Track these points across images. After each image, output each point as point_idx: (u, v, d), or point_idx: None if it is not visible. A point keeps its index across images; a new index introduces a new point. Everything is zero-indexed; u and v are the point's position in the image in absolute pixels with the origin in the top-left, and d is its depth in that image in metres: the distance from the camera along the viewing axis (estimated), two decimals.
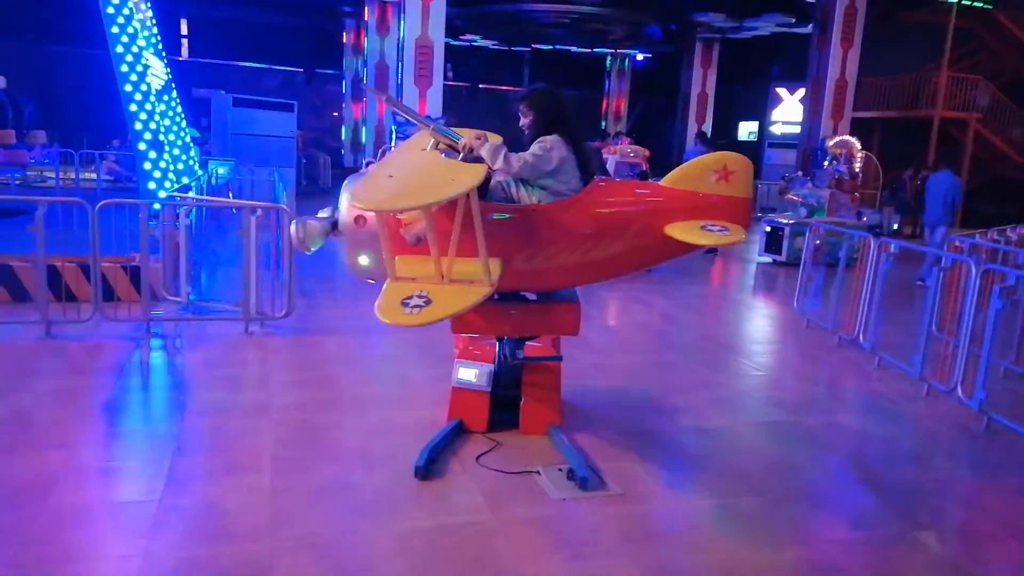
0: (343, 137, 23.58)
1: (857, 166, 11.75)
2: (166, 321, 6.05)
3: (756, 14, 20.34)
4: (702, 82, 23.82)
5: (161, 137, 9.16)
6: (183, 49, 24.35)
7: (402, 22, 15.89)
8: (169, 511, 3.19)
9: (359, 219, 3.57)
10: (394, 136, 15.30)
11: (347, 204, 3.59)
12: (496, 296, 3.81)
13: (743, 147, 24.04)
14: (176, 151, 10.16)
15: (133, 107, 8.87)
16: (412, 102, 15.45)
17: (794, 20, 19.81)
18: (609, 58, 27.05)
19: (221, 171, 12.53)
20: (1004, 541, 3.43)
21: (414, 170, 3.50)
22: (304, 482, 3.52)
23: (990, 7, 17.48)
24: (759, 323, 7.99)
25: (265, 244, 6.22)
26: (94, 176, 13.49)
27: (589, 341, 6.06)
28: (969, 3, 17.11)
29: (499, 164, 3.51)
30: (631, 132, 24.17)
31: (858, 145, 12.01)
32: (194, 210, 7.44)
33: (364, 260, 3.63)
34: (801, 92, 20.04)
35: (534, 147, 3.61)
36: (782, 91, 22.66)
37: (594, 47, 25.65)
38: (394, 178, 3.30)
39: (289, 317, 6.06)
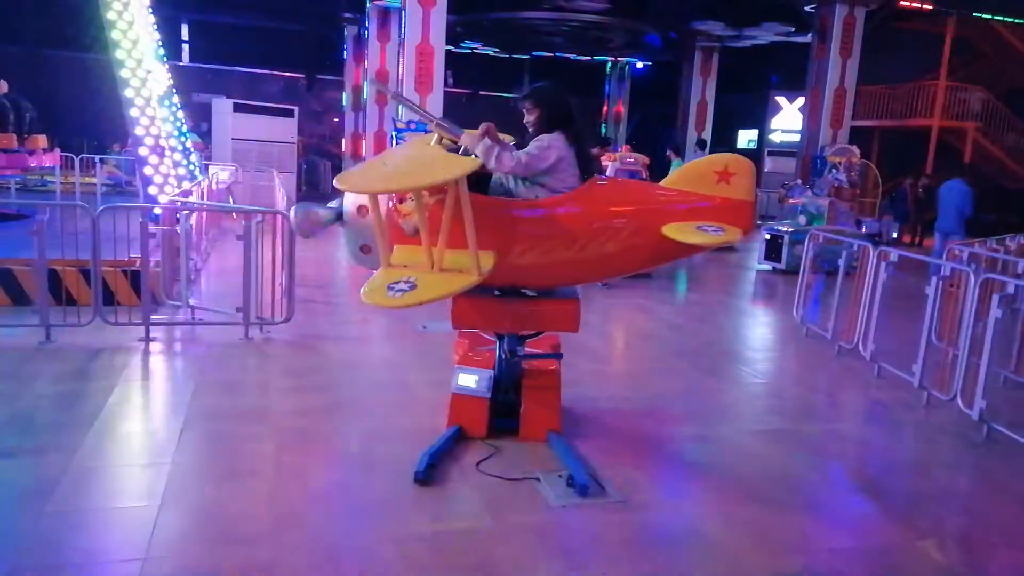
0: (343, 148, 23.61)
1: (855, 174, 11.80)
2: (166, 325, 6.05)
3: (755, 23, 20.40)
4: (702, 90, 23.86)
5: (162, 142, 9.17)
6: (184, 54, 24.39)
7: (403, 29, 15.94)
8: (169, 516, 3.18)
9: (362, 209, 3.63)
10: (394, 142, 15.34)
11: (351, 195, 3.64)
12: (496, 292, 3.84)
13: (743, 155, 24.12)
14: (177, 156, 10.17)
15: (134, 112, 8.88)
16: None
17: (793, 29, 19.87)
18: (609, 66, 27.11)
19: (222, 176, 12.55)
20: (1005, 550, 3.42)
21: (407, 159, 3.58)
22: (304, 487, 3.52)
23: (988, 17, 17.55)
24: (759, 331, 8.00)
25: (265, 249, 6.22)
26: (95, 181, 13.51)
27: (589, 348, 6.07)
28: (967, 13, 17.18)
29: (492, 164, 3.54)
30: (631, 140, 24.24)
31: (857, 153, 12.05)
32: (194, 215, 7.44)
33: (365, 250, 3.69)
34: (800, 101, 20.10)
35: (531, 145, 3.64)
36: (781, 99, 22.74)
37: (594, 55, 25.71)
38: (387, 165, 3.36)
39: (289, 322, 6.06)
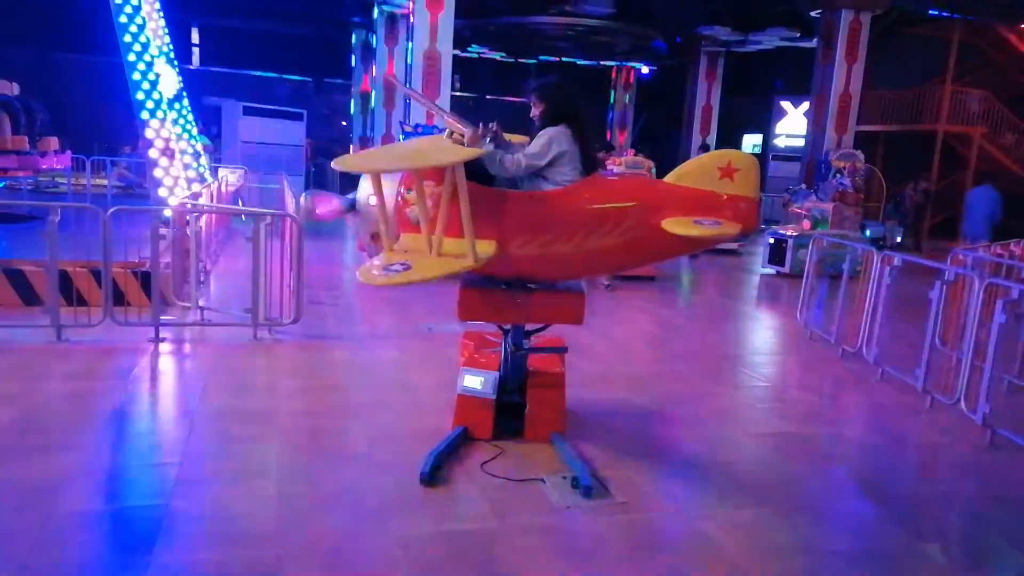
0: (351, 151, 23.69)
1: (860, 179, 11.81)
2: (175, 326, 6.11)
3: (761, 28, 20.43)
4: (707, 95, 23.87)
5: (172, 144, 9.25)
6: (194, 58, 24.54)
7: (410, 33, 16.01)
8: (177, 516, 3.22)
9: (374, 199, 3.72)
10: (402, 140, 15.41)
11: (364, 186, 3.77)
12: (503, 285, 3.88)
13: None
14: (187, 158, 10.26)
15: (145, 115, 8.98)
16: (420, 112, 15.56)
17: (799, 34, 19.89)
18: (614, 70, 27.15)
19: (231, 178, 12.63)
20: (1008, 553, 3.44)
21: (409, 147, 3.67)
22: (311, 488, 3.56)
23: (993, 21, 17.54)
24: (762, 334, 8.01)
25: (273, 251, 6.28)
26: (105, 182, 13.61)
27: (593, 350, 6.10)
28: (973, 18, 17.17)
29: (495, 169, 3.64)
30: (636, 144, 24.27)
31: (862, 158, 12.06)
32: (204, 217, 7.51)
33: (376, 238, 3.77)
34: (805, 105, 20.09)
35: (533, 143, 3.71)
36: (786, 104, 22.74)
37: (600, 60, 25.76)
38: (388, 151, 3.46)
39: (297, 323, 6.12)
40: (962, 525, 3.77)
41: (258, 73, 24.74)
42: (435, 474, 3.66)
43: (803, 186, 13.54)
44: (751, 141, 25.30)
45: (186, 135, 10.87)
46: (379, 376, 5.53)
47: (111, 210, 5.68)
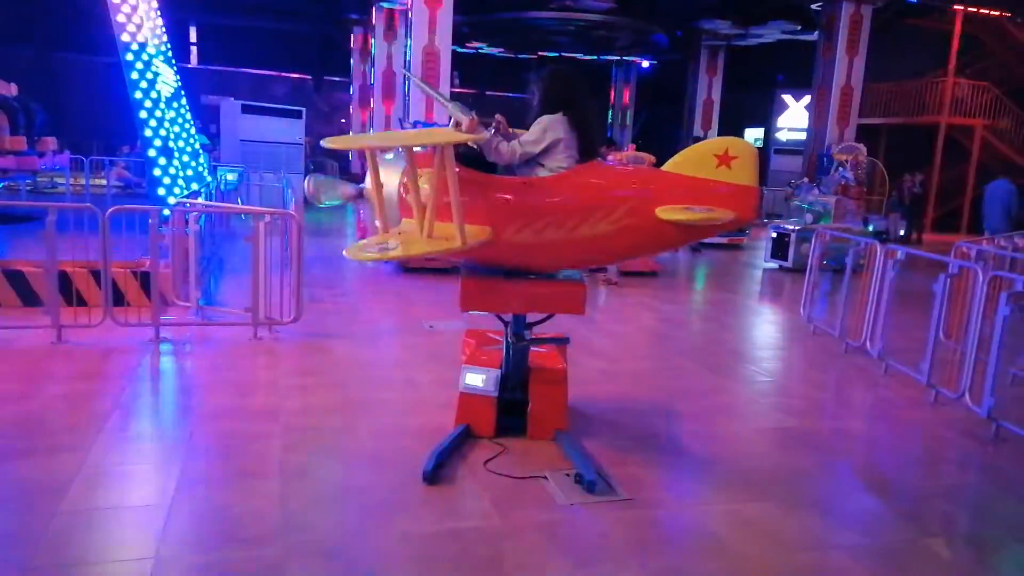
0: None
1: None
2: (176, 326, 6.09)
3: (762, 21, 20.38)
4: (708, 89, 23.85)
5: (171, 144, 9.23)
6: (192, 56, 24.52)
7: (409, 30, 15.98)
8: (179, 515, 3.21)
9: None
10: None
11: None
12: (503, 275, 3.87)
13: None
14: (185, 158, 10.23)
15: (143, 114, 8.95)
16: (419, 108, 15.55)
17: (800, 27, 19.84)
18: (615, 65, 27.10)
19: (230, 177, 12.62)
20: (1013, 547, 3.42)
21: (405, 132, 3.69)
22: (313, 486, 3.54)
23: (997, 13, 17.47)
24: (766, 329, 7.99)
25: (274, 250, 6.26)
26: (104, 182, 13.60)
27: (596, 346, 6.08)
28: (975, 10, 17.11)
29: (491, 156, 3.66)
30: (637, 139, 24.23)
31: (864, 151, 12.02)
32: (203, 216, 7.49)
33: (380, 223, 3.77)
34: (807, 99, 20.06)
35: (529, 131, 3.71)
36: (788, 98, 22.71)
37: (600, 54, 25.71)
38: (380, 134, 3.48)
39: (297, 322, 6.10)
40: (967, 519, 3.75)
41: (256, 71, 24.71)
42: (437, 472, 3.65)
43: (805, 180, 13.50)
44: (753, 135, 25.27)
45: (185, 134, 10.84)
46: (380, 374, 5.51)
47: (110, 210, 5.66)
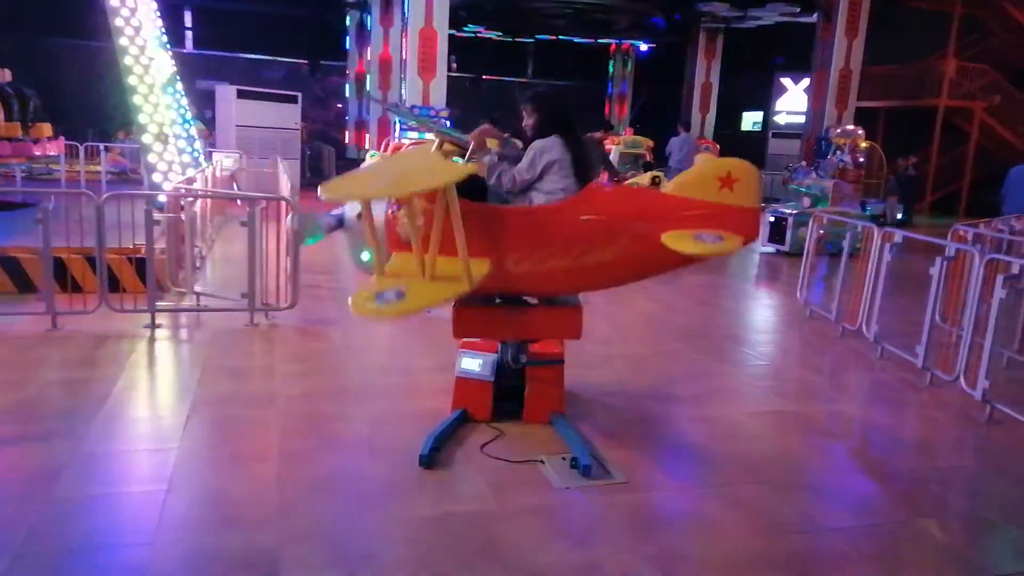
0: (347, 134, 23.58)
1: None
2: (171, 312, 6.09)
3: (760, 4, 20.23)
4: (706, 72, 23.71)
5: (166, 129, 9.18)
6: (187, 41, 24.32)
7: (406, 13, 15.86)
8: (176, 501, 3.22)
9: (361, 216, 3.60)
10: (398, 126, 15.32)
11: (350, 208, 3.65)
12: (498, 300, 3.82)
13: (747, 137, 23.99)
14: (181, 143, 10.18)
15: (137, 99, 8.88)
16: (416, 93, 15.45)
17: (799, 9, 19.70)
18: (613, 48, 26.93)
19: (226, 163, 12.56)
20: (1007, 529, 3.44)
21: (399, 165, 3.53)
22: (310, 471, 3.55)
23: None
24: (762, 313, 8.00)
25: (270, 235, 6.25)
26: (99, 168, 13.53)
27: (592, 330, 6.05)
28: None
29: (492, 181, 3.68)
30: (635, 122, 24.12)
31: (862, 134, 11.97)
32: (199, 202, 7.47)
33: (366, 256, 3.66)
34: (805, 82, 19.98)
35: (523, 160, 3.72)
36: (786, 81, 22.60)
37: (598, 37, 25.55)
38: (377, 172, 3.32)
39: (294, 308, 6.09)
40: (961, 500, 3.77)
41: (252, 56, 24.54)
42: (434, 456, 3.66)
43: (803, 163, 13.46)
44: (751, 118, 25.18)
45: (180, 120, 10.78)
46: (377, 359, 5.51)
47: (104, 196, 5.64)
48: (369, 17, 21.10)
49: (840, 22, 17.25)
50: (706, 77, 23.72)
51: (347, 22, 23.44)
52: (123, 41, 8.81)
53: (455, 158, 3.77)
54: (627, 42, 26.08)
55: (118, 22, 8.79)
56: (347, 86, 23.76)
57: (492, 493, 3.42)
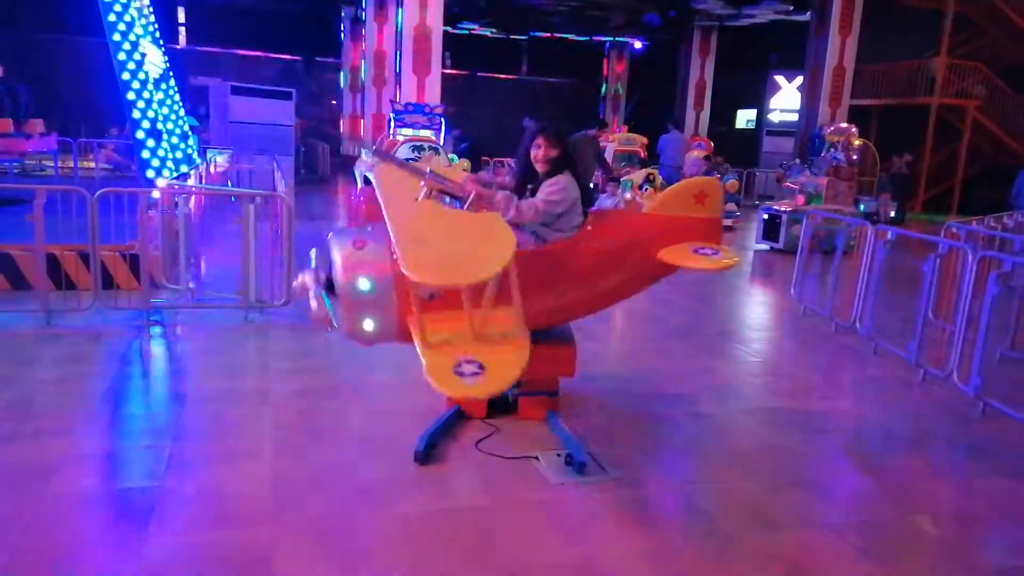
0: (342, 130, 23.53)
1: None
2: (166, 309, 6.07)
3: (754, 2, 20.25)
4: (700, 70, 23.72)
5: (159, 125, 9.14)
6: (181, 37, 24.23)
7: (400, 10, 15.83)
8: (170, 497, 3.21)
9: (351, 272, 3.48)
10: (392, 124, 15.29)
11: (342, 263, 3.48)
12: None
13: (741, 135, 24.02)
14: (174, 139, 10.14)
15: (131, 95, 8.84)
16: (410, 90, 15.42)
17: (792, 8, 19.73)
18: (607, 46, 26.93)
19: (219, 159, 12.52)
20: (999, 524, 3.47)
21: (440, 232, 3.22)
22: (304, 468, 3.55)
23: None
24: (756, 310, 8.02)
25: (264, 232, 6.23)
26: (93, 165, 13.46)
27: (586, 328, 6.08)
28: None
29: (512, 215, 3.60)
30: (629, 120, 24.12)
31: (856, 132, 11.99)
32: (193, 198, 7.44)
33: (369, 324, 3.48)
34: (799, 80, 19.99)
35: (546, 190, 3.72)
36: (780, 79, 22.60)
37: (592, 35, 25.54)
38: (425, 242, 3.03)
39: (288, 305, 6.08)
40: (953, 496, 3.79)
41: (246, 52, 24.44)
42: (429, 453, 3.66)
43: (797, 161, 13.48)
44: (745, 116, 25.19)
45: (173, 116, 10.74)
46: (372, 356, 5.48)
47: (98, 192, 5.62)
48: (363, 13, 21.04)
49: (834, 20, 17.27)
50: (700, 75, 23.73)
51: (341, 18, 23.39)
52: (116, 36, 8.77)
53: (446, 198, 3.81)
54: (622, 39, 26.08)
55: (111, 17, 8.75)
56: (341, 74, 23.71)
57: (487, 489, 3.43)
